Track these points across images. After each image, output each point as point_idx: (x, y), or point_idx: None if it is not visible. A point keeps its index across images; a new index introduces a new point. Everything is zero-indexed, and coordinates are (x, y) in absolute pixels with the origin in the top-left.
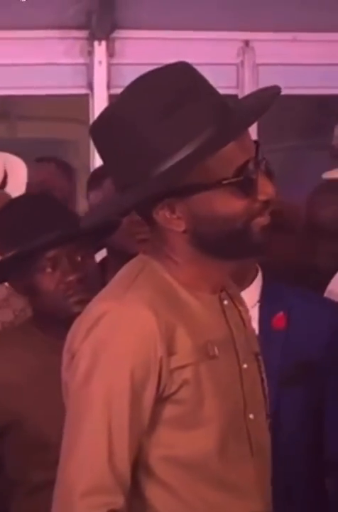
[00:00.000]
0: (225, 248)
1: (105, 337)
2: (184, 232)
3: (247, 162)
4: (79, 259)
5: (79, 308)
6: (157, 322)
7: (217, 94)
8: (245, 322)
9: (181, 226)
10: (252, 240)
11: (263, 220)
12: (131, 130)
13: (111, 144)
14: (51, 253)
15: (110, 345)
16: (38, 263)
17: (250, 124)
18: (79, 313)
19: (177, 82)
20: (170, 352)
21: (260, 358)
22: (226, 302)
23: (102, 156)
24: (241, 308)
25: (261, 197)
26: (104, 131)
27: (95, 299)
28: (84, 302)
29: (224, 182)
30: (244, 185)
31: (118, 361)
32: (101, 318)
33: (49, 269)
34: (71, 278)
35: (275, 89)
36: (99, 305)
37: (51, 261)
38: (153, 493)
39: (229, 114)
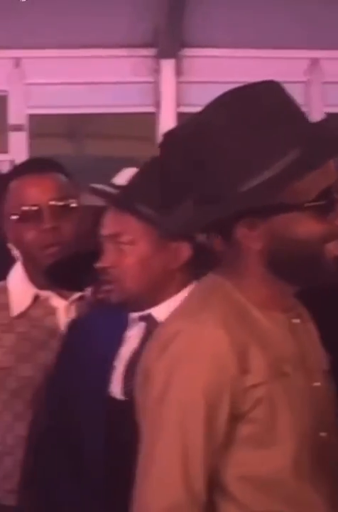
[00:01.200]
0: (296, 271)
1: (179, 356)
2: (261, 251)
3: (330, 186)
4: None
5: None
6: (231, 341)
7: (305, 116)
8: (314, 340)
9: (258, 245)
10: (323, 266)
11: (335, 249)
12: (220, 144)
13: (198, 155)
14: None
15: (184, 365)
16: None
17: None
18: None
19: (268, 100)
20: (243, 371)
21: (330, 375)
22: (296, 321)
23: (185, 165)
24: (309, 326)
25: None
26: (191, 142)
27: (169, 318)
28: None
29: (307, 204)
30: (325, 209)
31: (192, 381)
32: (175, 337)
33: None
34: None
35: None
36: (173, 324)
37: None
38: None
39: (318, 138)
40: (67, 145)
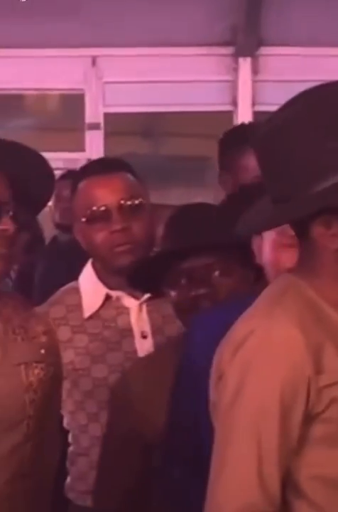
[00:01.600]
0: None
1: (252, 357)
2: (337, 250)
3: None
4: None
5: None
6: (306, 341)
7: None
8: None
9: (335, 243)
10: None
11: None
12: (298, 142)
13: (277, 154)
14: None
15: (258, 365)
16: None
17: None
18: None
19: None
20: (318, 371)
21: None
22: None
23: (262, 164)
24: None
25: None
26: (270, 140)
27: (242, 317)
28: None
29: None
30: None
31: (266, 381)
32: (248, 336)
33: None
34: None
35: None
36: (247, 323)
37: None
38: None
39: None
40: (143, 144)
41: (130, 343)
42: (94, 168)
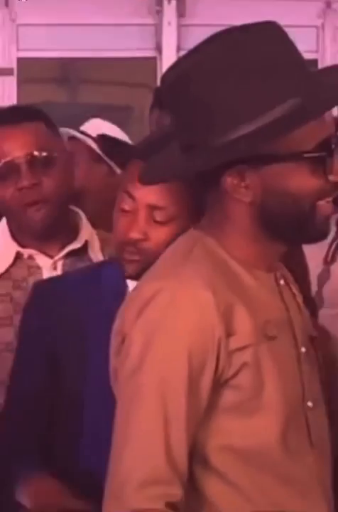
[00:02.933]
0: (286, 228)
1: (159, 318)
2: (250, 203)
3: (329, 138)
4: None
5: None
6: (215, 301)
7: (305, 62)
8: (299, 304)
9: (248, 196)
10: (315, 226)
11: (327, 208)
12: (210, 87)
13: (185, 99)
14: None
15: (164, 328)
16: None
17: None
18: None
19: (266, 44)
20: (229, 333)
21: (316, 342)
22: (281, 282)
23: (172, 111)
24: (294, 289)
25: (334, 178)
26: (178, 85)
27: (146, 277)
28: None
29: (306, 155)
30: (322, 161)
31: (173, 344)
32: (153, 297)
33: None
34: None
35: None
36: (152, 283)
37: None
38: (210, 485)
39: (318, 87)
40: (60, 91)
41: None
42: (4, 118)
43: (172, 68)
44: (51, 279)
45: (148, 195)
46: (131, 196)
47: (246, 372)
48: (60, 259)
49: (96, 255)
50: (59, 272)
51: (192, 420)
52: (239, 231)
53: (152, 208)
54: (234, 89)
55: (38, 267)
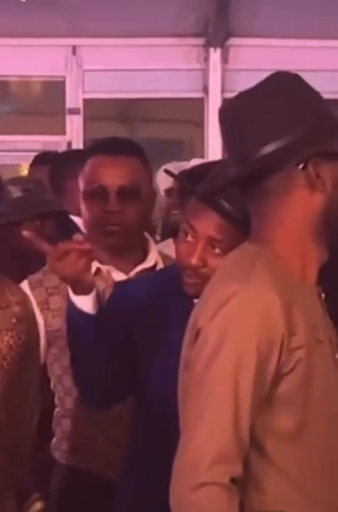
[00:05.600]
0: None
1: (233, 316)
2: (320, 200)
3: None
4: None
5: None
6: (281, 303)
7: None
8: (325, 312)
9: (324, 189)
10: None
11: None
12: (250, 118)
13: (233, 126)
14: None
15: (239, 322)
16: None
17: None
18: None
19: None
20: (290, 333)
21: None
22: (323, 295)
23: (226, 133)
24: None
25: None
26: (227, 116)
27: (221, 282)
28: None
29: None
30: None
31: (246, 336)
32: (231, 298)
33: None
34: None
35: None
36: (228, 287)
37: None
38: (259, 468)
39: None
40: (120, 128)
41: None
42: (106, 147)
43: (227, 102)
44: (130, 279)
45: (208, 228)
46: (192, 228)
47: (300, 369)
48: (132, 275)
49: None
50: None
51: (255, 404)
52: (294, 239)
53: (211, 239)
54: (267, 121)
55: (114, 281)
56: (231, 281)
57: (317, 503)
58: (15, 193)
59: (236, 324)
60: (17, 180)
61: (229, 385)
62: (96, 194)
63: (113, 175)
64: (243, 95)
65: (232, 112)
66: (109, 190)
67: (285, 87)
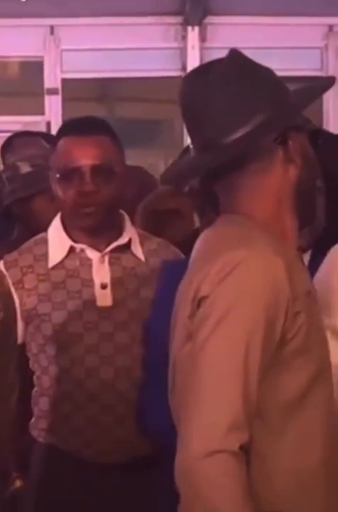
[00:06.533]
0: (312, 202)
1: (245, 280)
2: (297, 170)
3: None
4: None
5: None
6: (285, 268)
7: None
8: None
9: (296, 163)
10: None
11: None
12: (213, 103)
13: (195, 111)
14: None
15: (249, 287)
16: None
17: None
18: None
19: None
20: (294, 296)
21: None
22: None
23: (187, 118)
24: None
25: None
26: (189, 100)
27: (221, 250)
28: None
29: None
30: None
31: (255, 301)
32: (239, 263)
33: None
34: None
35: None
36: (235, 253)
37: None
38: (260, 436)
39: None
40: (99, 107)
41: (90, 292)
42: (77, 128)
43: (185, 85)
44: (178, 259)
45: None
46: None
47: (300, 334)
48: (107, 253)
49: (138, 250)
50: (106, 264)
51: (262, 368)
52: (274, 211)
53: None
54: (231, 105)
55: (88, 259)
56: (235, 248)
57: (314, 468)
58: (24, 168)
59: (245, 289)
60: (26, 156)
61: (239, 349)
62: (70, 175)
63: (86, 155)
64: (204, 78)
65: (195, 96)
66: (83, 171)
67: (245, 68)
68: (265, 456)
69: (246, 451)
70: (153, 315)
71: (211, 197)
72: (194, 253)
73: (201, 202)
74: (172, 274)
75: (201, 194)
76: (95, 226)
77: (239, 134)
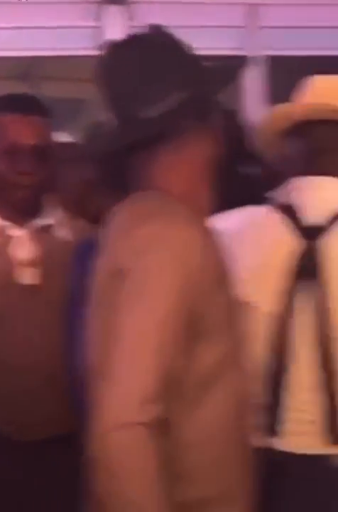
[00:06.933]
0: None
1: (160, 253)
2: (209, 147)
3: None
4: None
5: None
6: (202, 241)
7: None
8: None
9: (207, 143)
10: None
11: None
12: (130, 77)
13: (113, 85)
14: None
15: (165, 260)
16: None
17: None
18: None
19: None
20: (211, 268)
21: None
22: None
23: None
24: None
25: None
26: (108, 74)
27: (139, 224)
28: None
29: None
30: None
31: (172, 273)
32: (155, 238)
33: None
34: None
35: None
36: (148, 228)
37: None
38: (177, 409)
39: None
40: (22, 86)
41: (13, 270)
42: (17, 106)
43: (104, 60)
44: (87, 238)
45: None
46: None
47: (221, 307)
48: (31, 231)
49: (64, 231)
50: (30, 242)
51: (179, 344)
52: (190, 186)
53: None
54: (148, 81)
55: (11, 237)
56: (152, 222)
57: (229, 444)
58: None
59: (162, 262)
60: None
61: (155, 322)
62: (8, 153)
63: (27, 134)
64: (125, 51)
65: (116, 68)
66: (23, 151)
67: (166, 44)
68: (181, 427)
69: (162, 422)
70: (71, 295)
71: (123, 172)
72: (107, 229)
73: (112, 177)
74: (84, 252)
75: (113, 169)
76: (27, 205)
77: (158, 109)
